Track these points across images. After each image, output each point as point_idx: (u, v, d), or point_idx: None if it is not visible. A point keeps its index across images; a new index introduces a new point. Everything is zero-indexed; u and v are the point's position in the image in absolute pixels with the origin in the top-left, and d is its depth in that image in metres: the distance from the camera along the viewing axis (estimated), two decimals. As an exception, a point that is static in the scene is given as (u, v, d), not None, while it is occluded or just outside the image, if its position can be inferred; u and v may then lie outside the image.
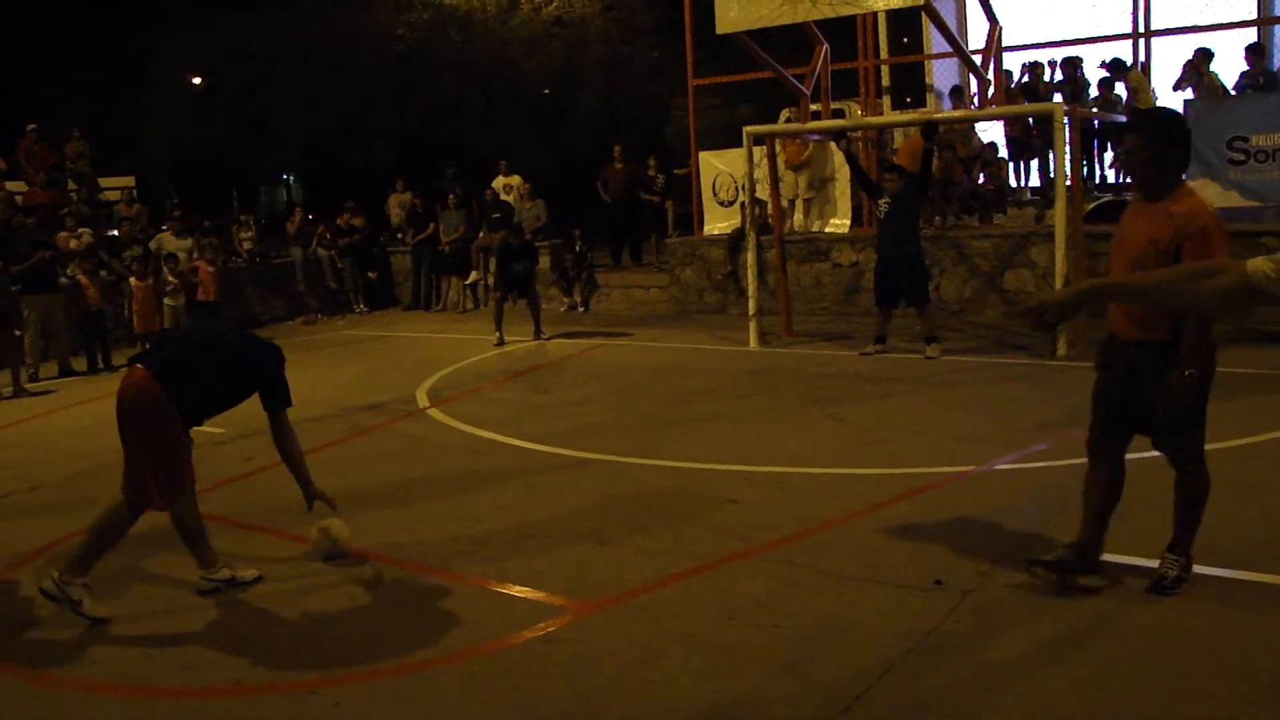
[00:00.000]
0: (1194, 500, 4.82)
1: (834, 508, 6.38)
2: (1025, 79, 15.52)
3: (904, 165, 12.03)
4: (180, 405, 5.42)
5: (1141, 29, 14.87)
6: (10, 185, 17.54)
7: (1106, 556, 5.09)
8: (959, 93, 15.69)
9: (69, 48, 29.27)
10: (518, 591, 5.39)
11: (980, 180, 14.96)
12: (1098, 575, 4.99)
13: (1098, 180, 15.45)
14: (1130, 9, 14.85)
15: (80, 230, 16.03)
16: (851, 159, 12.39)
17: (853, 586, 5.18)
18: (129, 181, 22.09)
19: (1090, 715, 3.91)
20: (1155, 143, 4.65)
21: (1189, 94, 13.85)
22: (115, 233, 18.22)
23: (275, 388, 5.83)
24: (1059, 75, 15.52)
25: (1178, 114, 5.33)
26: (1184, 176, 4.76)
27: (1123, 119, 14.01)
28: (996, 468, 7.05)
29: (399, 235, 20.11)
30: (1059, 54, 15.57)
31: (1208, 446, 4.80)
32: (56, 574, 5.32)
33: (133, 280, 15.11)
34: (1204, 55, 13.87)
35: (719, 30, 11.64)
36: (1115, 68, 14.59)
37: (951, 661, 4.34)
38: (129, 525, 5.51)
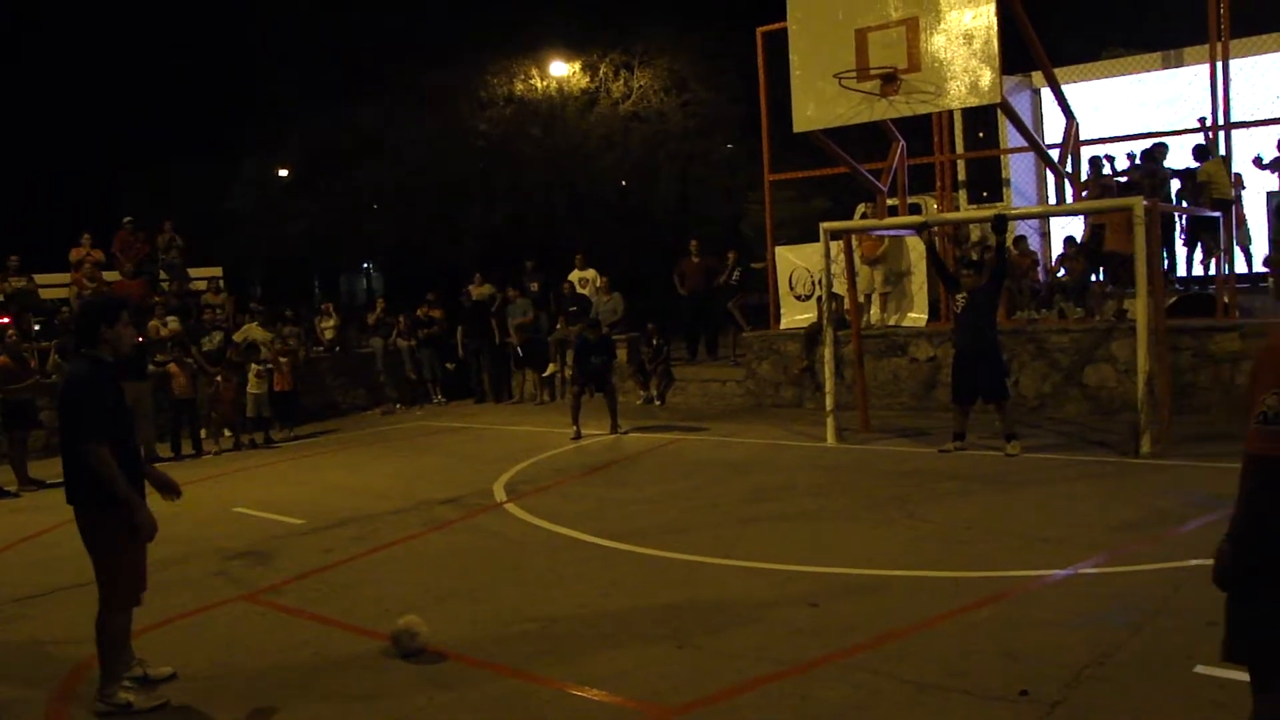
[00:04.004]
0: None
1: (915, 612, 6.27)
2: (1126, 171, 15.36)
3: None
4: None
5: (1221, 121, 14.75)
6: (106, 275, 18.13)
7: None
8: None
9: (166, 142, 30.47)
10: (595, 695, 5.35)
11: (1059, 274, 14.90)
12: None
13: (1179, 274, 15.25)
14: (1209, 101, 14.73)
15: (168, 318, 16.50)
16: (932, 249, 12.36)
17: (935, 695, 5.07)
18: (217, 272, 22.57)
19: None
20: None
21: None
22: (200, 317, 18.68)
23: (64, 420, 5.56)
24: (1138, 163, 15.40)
25: None
26: None
27: (1207, 212, 13.89)
28: (1081, 571, 6.87)
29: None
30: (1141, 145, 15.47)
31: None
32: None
33: (219, 379, 15.45)
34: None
35: (796, 129, 11.74)
36: (1200, 155, 14.39)
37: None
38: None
